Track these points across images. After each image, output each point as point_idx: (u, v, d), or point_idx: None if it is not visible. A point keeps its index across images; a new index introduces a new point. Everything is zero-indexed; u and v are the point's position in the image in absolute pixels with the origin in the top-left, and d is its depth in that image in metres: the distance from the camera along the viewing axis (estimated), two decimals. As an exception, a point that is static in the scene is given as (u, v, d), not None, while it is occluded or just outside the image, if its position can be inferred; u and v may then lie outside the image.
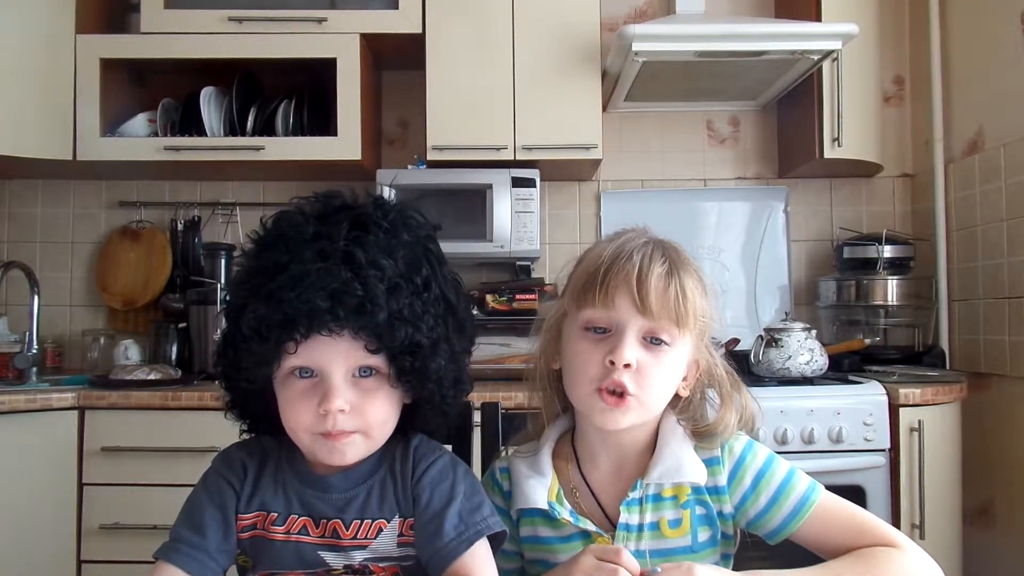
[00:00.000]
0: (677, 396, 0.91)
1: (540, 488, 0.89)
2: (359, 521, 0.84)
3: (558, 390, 0.93)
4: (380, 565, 0.83)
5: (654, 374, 0.85)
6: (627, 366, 0.83)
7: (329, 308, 0.74)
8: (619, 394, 0.84)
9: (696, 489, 0.89)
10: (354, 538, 0.83)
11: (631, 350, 0.83)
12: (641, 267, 0.85)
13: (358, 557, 0.83)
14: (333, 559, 0.83)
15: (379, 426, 0.82)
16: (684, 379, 0.90)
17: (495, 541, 0.84)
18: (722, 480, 0.89)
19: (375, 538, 0.83)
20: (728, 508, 0.89)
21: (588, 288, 0.86)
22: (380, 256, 0.77)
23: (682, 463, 0.88)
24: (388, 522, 0.84)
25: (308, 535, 0.83)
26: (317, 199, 0.82)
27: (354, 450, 0.82)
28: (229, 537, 0.84)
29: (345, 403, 0.78)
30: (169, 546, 0.82)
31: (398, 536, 0.84)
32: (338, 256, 0.76)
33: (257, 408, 0.86)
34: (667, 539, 0.88)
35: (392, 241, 0.79)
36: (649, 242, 0.89)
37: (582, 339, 0.87)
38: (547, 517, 0.90)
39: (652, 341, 0.85)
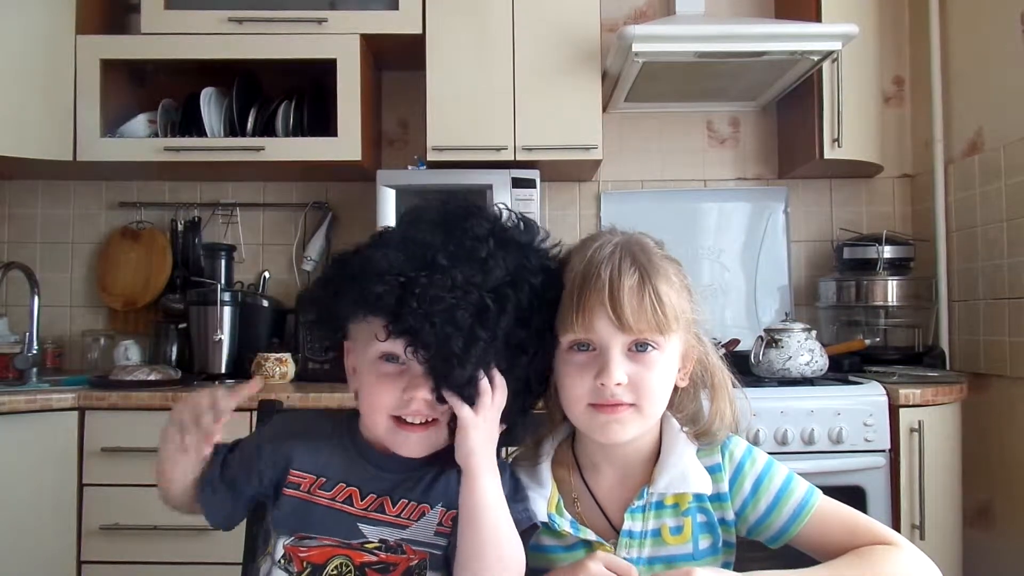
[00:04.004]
0: (675, 388, 0.90)
1: (540, 500, 0.89)
2: (406, 502, 0.85)
3: (555, 399, 0.92)
4: (414, 548, 0.84)
5: (648, 382, 0.84)
6: (618, 384, 0.83)
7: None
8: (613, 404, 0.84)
9: (698, 497, 0.89)
10: (397, 516, 0.85)
11: (619, 369, 0.83)
12: (611, 283, 0.83)
13: (395, 535, 0.84)
14: (371, 532, 0.84)
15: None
16: (680, 369, 0.90)
17: (526, 536, 0.84)
18: (724, 487, 0.89)
19: (416, 521, 0.85)
20: (730, 515, 0.89)
21: (566, 313, 0.85)
22: (501, 321, 0.79)
23: (687, 472, 0.88)
24: (431, 508, 0.85)
25: (352, 505, 0.85)
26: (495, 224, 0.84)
27: (424, 444, 0.84)
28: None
29: (429, 392, 0.81)
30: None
31: (437, 525, 0.85)
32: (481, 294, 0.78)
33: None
34: (668, 546, 0.88)
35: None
36: (615, 251, 0.85)
37: (569, 362, 0.86)
38: (549, 527, 0.89)
39: (638, 348, 0.85)
